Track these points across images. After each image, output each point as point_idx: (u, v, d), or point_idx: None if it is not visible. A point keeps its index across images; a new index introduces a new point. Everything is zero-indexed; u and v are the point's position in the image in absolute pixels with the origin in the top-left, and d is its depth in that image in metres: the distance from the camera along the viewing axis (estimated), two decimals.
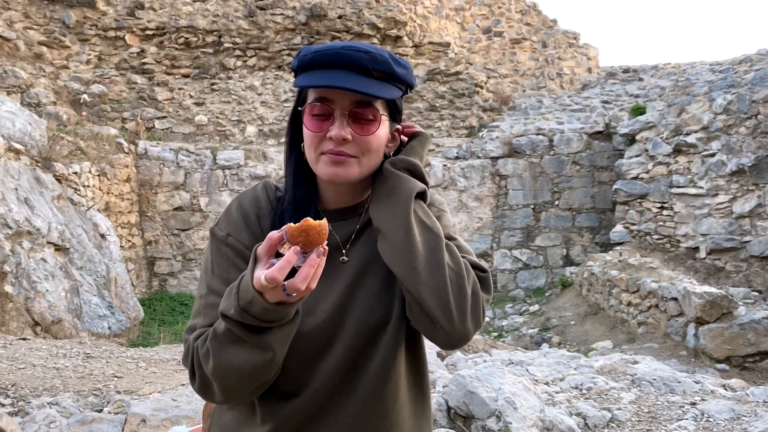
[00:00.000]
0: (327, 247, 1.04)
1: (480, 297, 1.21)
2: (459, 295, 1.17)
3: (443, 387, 3.65)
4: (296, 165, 1.30)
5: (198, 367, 1.16)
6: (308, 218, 1.02)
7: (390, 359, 1.25)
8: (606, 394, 3.87)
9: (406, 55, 12.96)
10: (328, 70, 1.19)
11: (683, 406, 3.64)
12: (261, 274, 1.02)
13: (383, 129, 1.24)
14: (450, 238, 1.26)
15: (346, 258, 1.27)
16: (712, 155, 9.60)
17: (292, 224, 1.03)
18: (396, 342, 1.25)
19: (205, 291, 1.23)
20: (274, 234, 1.05)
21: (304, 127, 1.24)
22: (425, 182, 1.26)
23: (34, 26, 11.81)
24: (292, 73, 1.29)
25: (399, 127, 1.31)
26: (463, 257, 1.23)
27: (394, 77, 1.22)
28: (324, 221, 1.03)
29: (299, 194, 1.28)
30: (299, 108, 1.26)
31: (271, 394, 1.23)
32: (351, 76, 1.18)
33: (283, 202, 1.29)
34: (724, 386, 4.21)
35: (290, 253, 1.01)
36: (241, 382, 1.14)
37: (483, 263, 1.28)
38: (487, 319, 10.09)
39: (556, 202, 11.56)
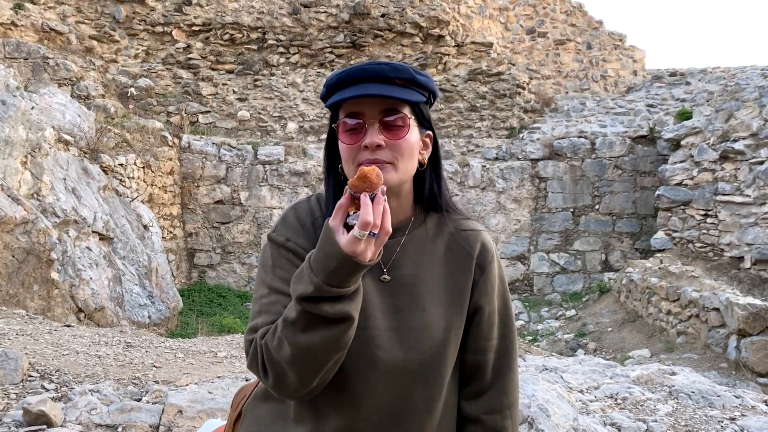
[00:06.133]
0: (385, 188, 1.12)
1: None
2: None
3: None
4: (335, 187, 1.34)
5: (270, 363, 1.16)
6: (360, 167, 1.12)
7: (437, 392, 1.28)
8: (642, 405, 3.80)
9: (448, 55, 12.93)
10: (353, 85, 1.25)
11: (722, 421, 3.55)
12: (350, 233, 1.07)
13: (413, 134, 1.27)
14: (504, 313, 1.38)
15: (387, 277, 1.29)
16: (761, 163, 9.33)
17: (350, 180, 1.12)
18: (442, 379, 1.28)
19: (266, 291, 1.26)
20: (341, 201, 1.11)
21: (339, 143, 1.28)
22: None
23: (86, 20, 12.15)
24: (324, 103, 1.34)
25: (430, 132, 1.34)
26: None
27: (415, 83, 1.28)
28: (374, 166, 1.13)
29: None
30: (333, 125, 1.31)
31: (312, 400, 1.24)
32: (375, 86, 1.24)
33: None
34: (766, 402, 4.10)
35: (363, 198, 1.08)
36: (320, 361, 1.14)
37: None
38: (521, 322, 10.02)
39: (597, 206, 11.39)
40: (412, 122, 1.28)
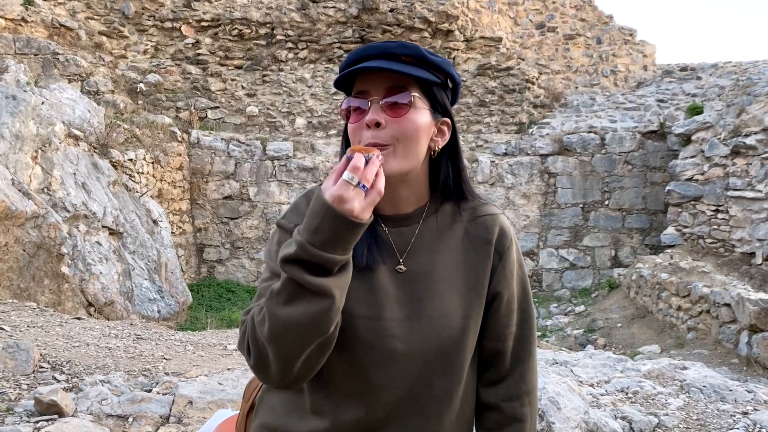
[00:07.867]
0: (381, 154, 1.10)
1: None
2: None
3: None
4: None
5: (253, 340, 1.12)
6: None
7: (457, 380, 1.26)
8: (653, 399, 3.78)
9: (457, 50, 12.89)
10: (359, 64, 1.22)
11: (734, 415, 3.53)
12: (339, 180, 1.04)
13: (419, 116, 1.21)
14: (525, 300, 1.35)
15: (403, 267, 1.26)
16: None
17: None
18: (461, 367, 1.26)
19: (269, 275, 1.21)
20: (337, 166, 1.07)
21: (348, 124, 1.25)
22: None
23: (95, 16, 12.18)
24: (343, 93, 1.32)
25: (447, 120, 1.28)
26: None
27: (425, 62, 1.23)
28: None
29: None
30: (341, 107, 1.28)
31: (328, 391, 1.23)
32: (378, 62, 1.20)
33: None
34: None
35: (357, 154, 1.05)
36: (298, 341, 1.08)
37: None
38: None
39: (606, 202, 11.33)
40: (421, 103, 1.22)
